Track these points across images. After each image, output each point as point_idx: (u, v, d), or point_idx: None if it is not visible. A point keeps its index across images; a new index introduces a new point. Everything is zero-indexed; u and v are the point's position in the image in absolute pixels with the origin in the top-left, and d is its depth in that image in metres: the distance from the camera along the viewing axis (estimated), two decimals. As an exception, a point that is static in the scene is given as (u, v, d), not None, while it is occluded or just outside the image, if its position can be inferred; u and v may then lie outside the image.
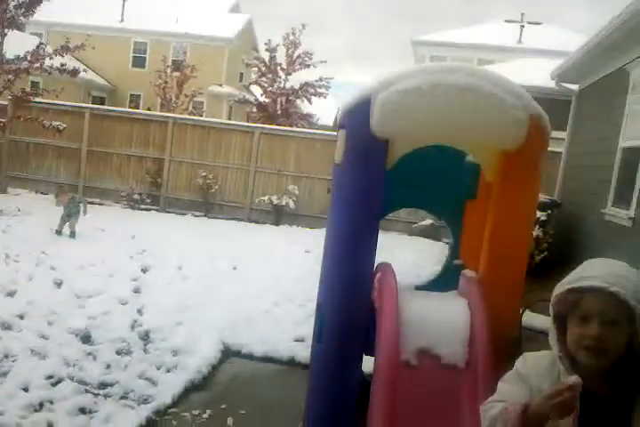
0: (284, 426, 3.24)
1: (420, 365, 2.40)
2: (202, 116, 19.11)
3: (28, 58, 10.33)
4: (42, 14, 11.25)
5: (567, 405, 1.28)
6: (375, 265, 2.94)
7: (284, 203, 11.55)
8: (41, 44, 10.79)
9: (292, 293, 5.98)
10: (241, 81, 26.15)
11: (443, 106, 2.72)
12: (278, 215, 11.75)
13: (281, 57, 19.35)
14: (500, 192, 2.79)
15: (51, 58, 10.44)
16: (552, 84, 9.70)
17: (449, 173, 3.39)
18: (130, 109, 15.90)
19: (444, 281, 3.24)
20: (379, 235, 2.83)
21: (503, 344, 2.46)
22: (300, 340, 4.51)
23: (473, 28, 24.91)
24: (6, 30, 10.39)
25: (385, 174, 2.87)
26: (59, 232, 8.10)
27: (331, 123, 18.08)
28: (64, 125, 11.05)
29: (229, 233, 9.90)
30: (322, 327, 3.00)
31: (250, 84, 21.15)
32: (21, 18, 10.45)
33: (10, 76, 10.28)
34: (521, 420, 1.32)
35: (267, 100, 19.51)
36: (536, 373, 1.44)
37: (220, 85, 24.87)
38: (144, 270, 6.62)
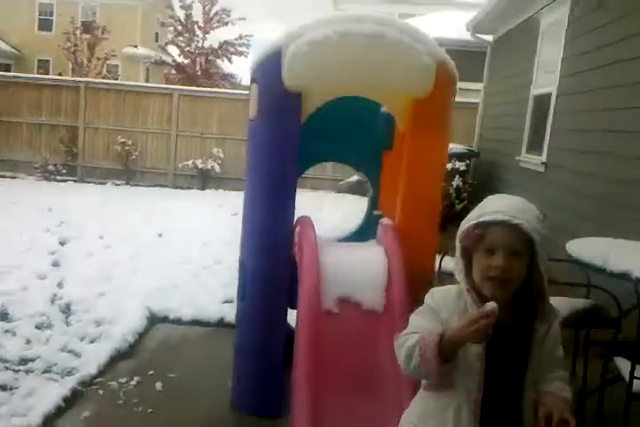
0: (215, 386, 3.24)
1: (341, 312, 2.44)
2: (117, 79, 18.26)
3: None
4: None
5: (484, 330, 1.33)
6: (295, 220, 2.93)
7: (209, 167, 11.32)
8: None
9: (220, 256, 5.93)
10: (157, 41, 25.06)
11: (352, 55, 2.69)
12: (204, 180, 11.52)
13: (198, 15, 18.64)
14: (412, 140, 2.81)
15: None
16: (469, 36, 9.83)
17: (364, 125, 3.38)
18: (38, 75, 14.98)
19: (366, 232, 3.27)
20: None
21: (420, 287, 2.51)
22: (229, 301, 4.48)
23: (392, -18, 24.71)
24: None
25: (300, 128, 2.83)
26: (-33, 208, 7.65)
27: (253, 83, 17.67)
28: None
29: (153, 200, 9.63)
30: (245, 285, 2.99)
31: (166, 44, 20.34)
32: None
33: None
34: (438, 348, 1.37)
35: (185, 61, 18.88)
36: (445, 305, 1.49)
37: (135, 47, 23.78)
38: (62, 243, 6.37)
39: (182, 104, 11.68)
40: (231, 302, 4.47)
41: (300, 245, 2.73)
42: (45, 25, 24.30)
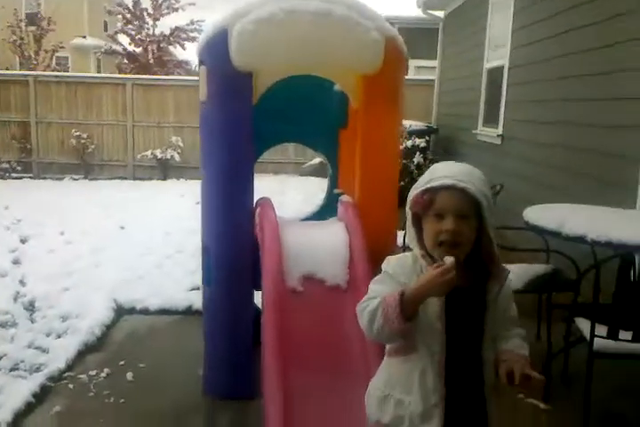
0: (186, 373, 3.23)
1: (305, 290, 2.45)
2: (67, 72, 17.76)
3: None
4: None
5: (448, 282, 1.37)
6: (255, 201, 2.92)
7: (168, 156, 11.16)
8: None
9: (184, 244, 5.88)
10: (106, 31, 24.38)
11: (299, 33, 2.67)
12: (164, 170, 11.36)
13: (146, 2, 18.20)
14: (365, 117, 2.81)
15: None
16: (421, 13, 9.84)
17: (319, 104, 3.37)
18: (-18, 71, 14.44)
19: (327, 211, 3.28)
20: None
21: (382, 262, 2.55)
22: (195, 288, 4.45)
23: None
24: None
25: (253, 109, 2.80)
26: None
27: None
28: None
29: (114, 193, 9.48)
30: (209, 270, 2.98)
31: (116, 33, 19.76)
32: None
33: None
34: (400, 306, 1.40)
35: (137, 50, 18.46)
36: (402, 271, 1.52)
37: (84, 37, 23.14)
38: (23, 241, 6.23)
39: (136, 94, 11.44)
40: (198, 289, 4.44)
41: (260, 226, 2.73)
42: (-13, 18, 23.39)
